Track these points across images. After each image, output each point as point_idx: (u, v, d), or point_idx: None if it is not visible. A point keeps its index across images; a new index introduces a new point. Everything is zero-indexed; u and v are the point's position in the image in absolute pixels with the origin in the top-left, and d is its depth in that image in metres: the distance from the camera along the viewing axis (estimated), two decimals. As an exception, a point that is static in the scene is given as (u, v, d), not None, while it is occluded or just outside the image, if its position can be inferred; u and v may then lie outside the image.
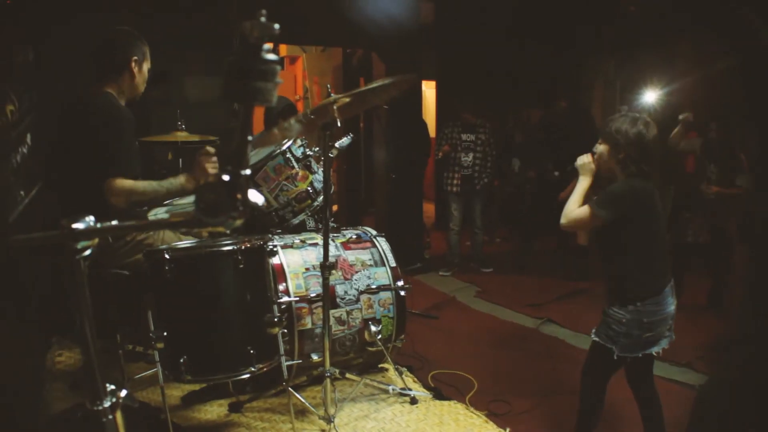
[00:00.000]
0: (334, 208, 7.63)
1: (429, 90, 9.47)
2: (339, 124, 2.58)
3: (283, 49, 10.98)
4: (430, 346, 4.45)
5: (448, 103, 8.60)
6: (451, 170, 6.25)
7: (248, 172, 0.87)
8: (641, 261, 2.65)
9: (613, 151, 2.65)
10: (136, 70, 2.94)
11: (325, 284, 2.76)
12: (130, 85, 2.95)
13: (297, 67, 11.56)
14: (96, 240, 1.11)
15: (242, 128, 0.87)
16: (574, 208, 2.70)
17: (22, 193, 3.49)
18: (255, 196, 0.91)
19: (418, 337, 4.58)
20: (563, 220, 2.73)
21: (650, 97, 6.16)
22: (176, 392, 3.46)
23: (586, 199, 2.72)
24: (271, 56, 0.86)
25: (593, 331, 2.79)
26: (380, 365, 3.78)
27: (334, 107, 2.50)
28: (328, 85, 2.73)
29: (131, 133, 2.83)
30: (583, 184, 2.75)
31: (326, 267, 2.73)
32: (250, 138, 0.87)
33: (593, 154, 2.76)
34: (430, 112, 9.37)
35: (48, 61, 4.18)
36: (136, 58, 2.92)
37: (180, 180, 2.82)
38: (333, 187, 4.67)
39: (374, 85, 2.60)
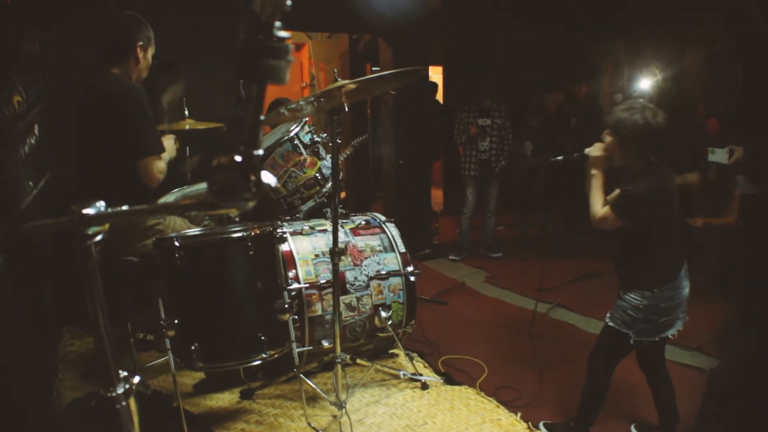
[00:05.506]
0: (342, 194, 7.61)
1: (436, 76, 9.40)
2: (346, 109, 2.55)
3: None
4: (440, 332, 4.45)
5: (456, 88, 8.55)
6: (469, 155, 6.24)
7: (261, 152, 0.85)
8: (659, 249, 2.63)
9: (620, 143, 2.62)
10: (141, 55, 2.94)
11: (335, 270, 2.75)
12: (134, 69, 2.96)
13: (303, 54, 11.51)
14: (107, 225, 1.10)
15: (255, 108, 0.85)
16: (599, 208, 2.68)
17: (30, 183, 3.49)
18: (268, 177, 0.90)
19: (428, 323, 4.58)
20: (592, 221, 2.72)
21: (647, 83, 6.09)
22: (188, 380, 3.48)
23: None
24: (283, 33, 0.84)
25: (608, 315, 2.78)
26: (391, 351, 3.78)
27: (341, 92, 2.47)
28: (335, 70, 2.70)
29: (149, 109, 2.83)
30: (596, 182, 2.72)
31: (336, 253, 2.72)
32: (262, 118, 0.85)
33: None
34: (438, 98, 9.31)
35: (55, 50, 4.16)
36: (141, 43, 2.92)
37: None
38: (341, 174, 4.65)
39: (383, 73, 2.57)
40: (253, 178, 0.83)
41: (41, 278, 3.53)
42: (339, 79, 2.52)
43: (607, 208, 2.63)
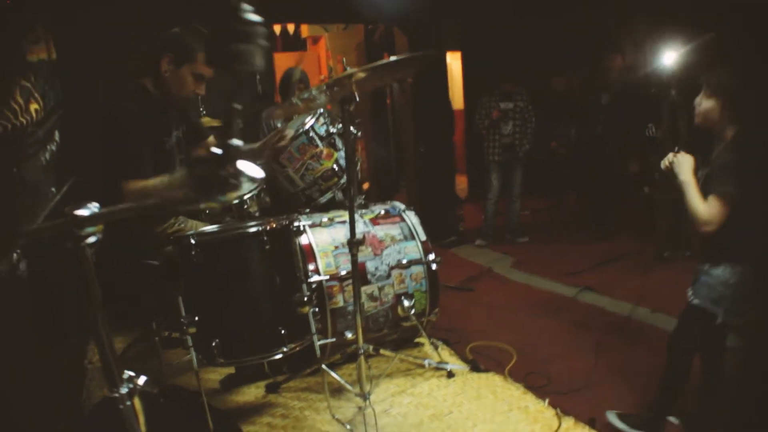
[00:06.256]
0: (366, 185, 7.60)
1: (455, 62, 9.31)
2: (357, 99, 2.52)
3: (305, 29, 10.93)
4: (467, 319, 4.41)
5: (475, 73, 8.45)
6: (492, 139, 6.18)
7: (238, 142, 0.82)
8: (757, 216, 2.40)
9: (728, 105, 2.42)
10: (170, 67, 2.81)
11: (354, 261, 2.72)
12: (163, 83, 2.85)
13: (320, 47, 11.50)
14: (101, 226, 1.09)
15: (231, 96, 0.82)
16: (705, 208, 2.40)
17: (53, 189, 3.53)
18: (250, 169, 0.87)
19: (455, 311, 4.54)
20: (707, 227, 2.40)
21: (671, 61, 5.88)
22: (214, 376, 3.50)
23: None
24: (253, 17, 0.80)
25: (689, 293, 2.58)
26: (416, 340, 3.75)
27: (351, 81, 2.44)
28: (344, 59, 2.68)
29: (136, 130, 2.74)
30: (692, 188, 2.44)
31: (353, 243, 2.69)
32: (237, 106, 0.82)
33: (676, 151, 2.53)
34: (457, 84, 9.22)
35: (70, 59, 4.20)
36: (172, 55, 2.79)
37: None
38: (361, 163, 4.63)
39: (389, 60, 2.53)
40: (231, 170, 0.81)
41: (63, 281, 3.58)
42: (348, 68, 2.48)
43: (713, 200, 2.39)
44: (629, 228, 6.50)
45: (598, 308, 4.68)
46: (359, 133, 4.87)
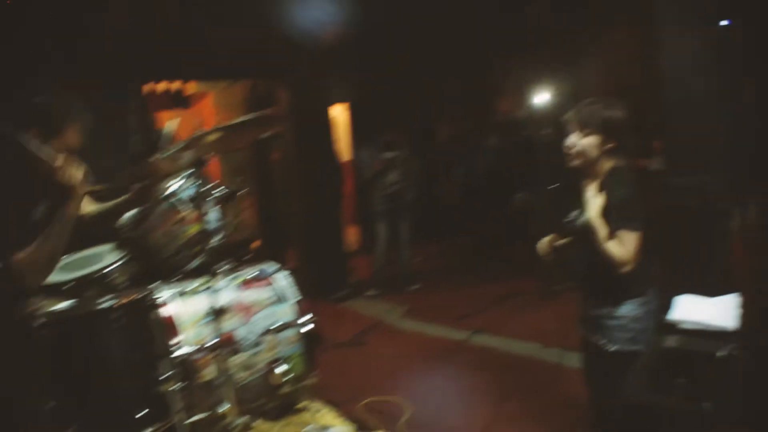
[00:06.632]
0: (255, 243, 7.40)
1: (342, 113, 9.41)
2: (207, 163, 2.43)
3: (190, 86, 10.72)
4: (360, 375, 4.34)
5: (363, 125, 8.53)
6: (376, 189, 6.19)
7: None
8: (645, 249, 2.38)
9: (607, 140, 2.40)
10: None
11: (218, 331, 2.58)
12: None
13: (206, 104, 11.29)
14: None
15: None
16: (623, 248, 2.31)
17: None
18: None
19: (347, 367, 4.47)
20: (629, 267, 2.32)
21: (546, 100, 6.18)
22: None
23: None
24: None
25: (603, 343, 2.47)
26: (299, 405, 3.60)
27: (203, 144, 2.35)
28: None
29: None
30: (594, 224, 2.36)
31: (216, 312, 2.55)
32: None
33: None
34: (345, 135, 9.28)
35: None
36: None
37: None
38: (240, 222, 4.47)
39: (233, 122, 2.47)
40: None
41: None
42: (197, 131, 2.38)
43: (626, 236, 2.32)
44: (521, 265, 6.65)
45: (491, 349, 4.72)
46: (242, 192, 4.77)
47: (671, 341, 1.78)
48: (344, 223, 8.25)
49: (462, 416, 3.60)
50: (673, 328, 1.89)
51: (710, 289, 2.27)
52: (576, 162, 2.48)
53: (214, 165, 9.47)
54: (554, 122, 5.96)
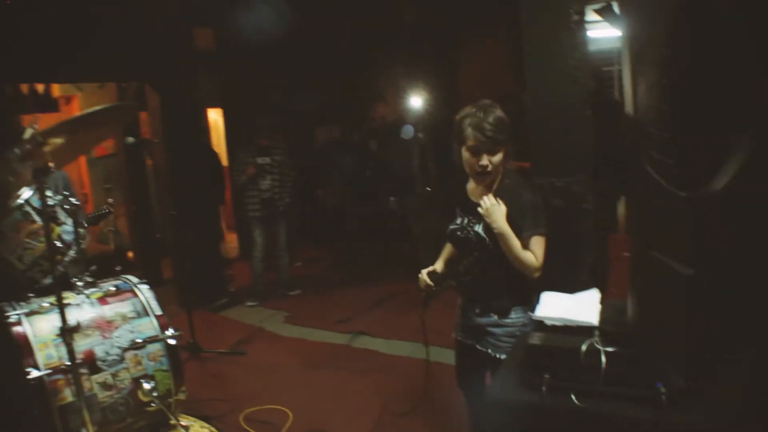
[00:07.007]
0: (130, 254, 7.05)
1: (216, 118, 9.18)
2: (52, 169, 2.25)
3: (56, 88, 10.06)
4: (241, 385, 4.23)
5: (237, 130, 8.34)
6: (251, 195, 6.05)
7: None
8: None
9: (508, 151, 2.38)
10: None
11: (70, 351, 2.39)
12: None
13: (74, 108, 10.63)
14: None
15: None
16: (533, 255, 2.33)
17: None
18: None
19: (228, 378, 4.36)
20: (537, 273, 2.34)
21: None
22: None
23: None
24: None
25: (488, 350, 2.48)
26: (172, 422, 3.44)
27: (42, 149, 2.17)
28: (34, 125, 2.34)
29: None
30: (512, 239, 2.32)
31: (66, 331, 2.37)
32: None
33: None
34: (222, 140, 9.05)
35: None
36: None
37: None
38: (115, 232, 4.23)
39: (77, 115, 2.31)
40: None
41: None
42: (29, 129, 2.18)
43: (537, 242, 2.34)
44: (400, 266, 6.76)
45: (372, 352, 4.74)
46: (110, 201, 4.50)
47: (535, 338, 1.83)
48: (223, 230, 8.06)
49: (346, 421, 3.58)
50: (538, 324, 1.95)
51: (573, 285, 2.37)
52: (489, 179, 2.42)
53: (82, 172, 8.95)
54: (428, 127, 6.14)
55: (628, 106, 1.58)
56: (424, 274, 2.59)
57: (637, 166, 1.51)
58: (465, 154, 2.38)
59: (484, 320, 2.50)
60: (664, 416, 1.54)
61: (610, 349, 1.68)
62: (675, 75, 1.39)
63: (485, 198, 2.37)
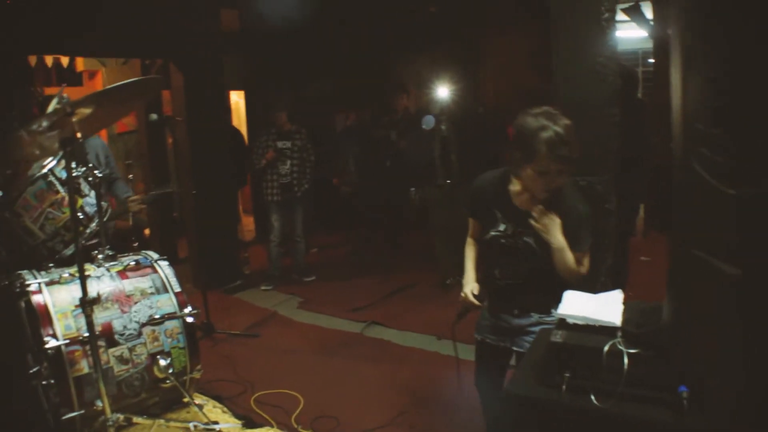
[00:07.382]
0: (146, 232, 7.06)
1: (238, 100, 9.17)
2: (80, 139, 2.23)
3: (81, 62, 10.09)
4: (253, 368, 4.23)
5: (258, 112, 8.33)
6: (270, 179, 6.03)
7: None
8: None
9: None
10: None
11: (89, 322, 2.39)
12: None
13: (97, 83, 10.67)
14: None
15: None
16: (580, 267, 2.30)
17: None
18: None
19: (240, 359, 4.36)
20: (582, 280, 2.29)
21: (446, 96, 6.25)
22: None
23: None
24: None
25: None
26: (185, 400, 3.44)
27: (70, 120, 2.16)
28: (65, 95, 2.33)
29: None
30: (567, 249, 2.25)
31: (86, 303, 2.36)
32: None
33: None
34: (243, 123, 9.04)
35: None
36: None
37: None
38: (137, 208, 4.22)
39: (108, 87, 2.29)
40: None
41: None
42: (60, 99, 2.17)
43: (587, 257, 2.31)
44: (417, 258, 6.74)
45: (385, 342, 4.72)
46: (131, 176, 4.51)
47: (557, 336, 1.80)
48: (241, 213, 8.06)
49: (357, 408, 3.57)
50: (560, 322, 1.92)
51: (592, 286, 2.33)
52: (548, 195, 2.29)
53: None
54: (451, 119, 6.09)
55: (676, 104, 1.53)
56: (469, 293, 2.51)
57: (683, 165, 1.46)
58: (530, 172, 2.23)
59: (524, 321, 2.44)
60: (685, 421, 1.50)
61: (632, 351, 1.65)
62: (728, 71, 1.35)
63: (538, 210, 2.25)
